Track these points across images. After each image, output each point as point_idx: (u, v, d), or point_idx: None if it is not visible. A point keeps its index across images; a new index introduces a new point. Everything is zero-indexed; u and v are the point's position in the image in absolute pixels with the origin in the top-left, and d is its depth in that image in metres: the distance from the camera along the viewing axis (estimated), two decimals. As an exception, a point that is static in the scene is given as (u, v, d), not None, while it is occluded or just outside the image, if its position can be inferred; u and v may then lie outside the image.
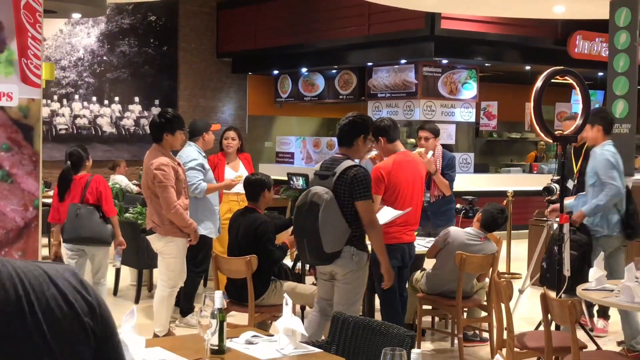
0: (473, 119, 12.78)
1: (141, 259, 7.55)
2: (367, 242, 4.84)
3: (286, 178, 6.99)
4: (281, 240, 5.80)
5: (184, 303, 6.66)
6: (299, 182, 6.11)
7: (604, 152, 5.96)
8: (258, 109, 15.69)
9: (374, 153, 6.02)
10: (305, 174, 6.35)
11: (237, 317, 6.10)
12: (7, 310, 1.17)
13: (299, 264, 5.97)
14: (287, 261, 6.20)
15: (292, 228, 5.88)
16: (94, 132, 13.96)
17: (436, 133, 6.92)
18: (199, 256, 6.48)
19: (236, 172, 7.19)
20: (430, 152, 6.82)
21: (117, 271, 7.91)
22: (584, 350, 4.32)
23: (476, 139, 14.57)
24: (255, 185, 5.78)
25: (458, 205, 6.44)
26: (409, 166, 5.57)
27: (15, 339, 1.17)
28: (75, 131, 13.77)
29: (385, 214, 5.26)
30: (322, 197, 4.59)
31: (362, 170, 4.61)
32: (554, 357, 4.45)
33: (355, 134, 4.75)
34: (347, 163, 4.65)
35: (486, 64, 12.61)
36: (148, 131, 6.01)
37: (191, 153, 6.59)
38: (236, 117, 15.47)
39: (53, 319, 1.21)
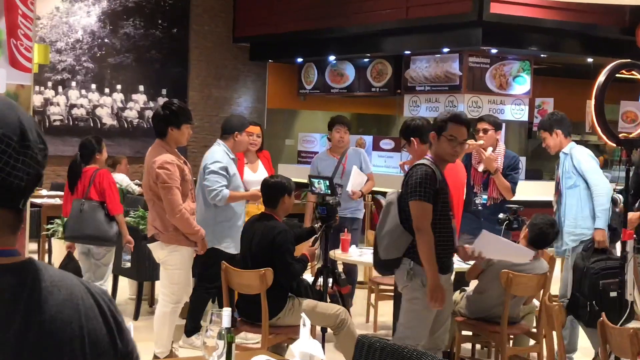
0: (526, 118, 12.71)
1: (141, 269, 7.58)
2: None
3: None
4: (301, 252, 5.80)
5: (190, 322, 6.67)
6: (321, 186, 6.10)
7: (581, 149, 6.42)
8: (278, 102, 15.72)
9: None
10: (329, 177, 6.34)
11: (249, 339, 6.10)
12: (51, 312, 1.27)
13: (320, 280, 5.97)
14: (307, 276, 6.19)
15: (313, 238, 5.90)
16: (92, 124, 14.06)
17: (497, 126, 6.99)
18: (210, 271, 6.44)
19: (254, 172, 7.21)
20: (490, 149, 6.81)
21: (115, 283, 7.96)
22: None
23: (529, 141, 14.47)
24: (273, 190, 5.79)
25: (500, 215, 6.38)
26: (450, 170, 5.57)
27: (61, 337, 1.27)
28: (71, 123, 13.88)
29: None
30: (388, 197, 4.87)
31: (424, 169, 4.72)
32: (612, 394, 4.40)
33: (428, 132, 4.99)
34: (419, 161, 4.84)
35: (542, 55, 12.52)
36: (152, 125, 6.07)
37: (216, 154, 6.61)
38: (253, 111, 15.51)
39: (94, 327, 1.32)
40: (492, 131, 6.89)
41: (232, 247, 6.51)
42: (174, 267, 5.85)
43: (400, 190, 4.86)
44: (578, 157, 6.31)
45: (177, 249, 5.80)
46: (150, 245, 5.94)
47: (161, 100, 13.98)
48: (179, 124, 5.78)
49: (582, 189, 6.28)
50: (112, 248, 6.86)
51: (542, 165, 15.31)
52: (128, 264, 7.06)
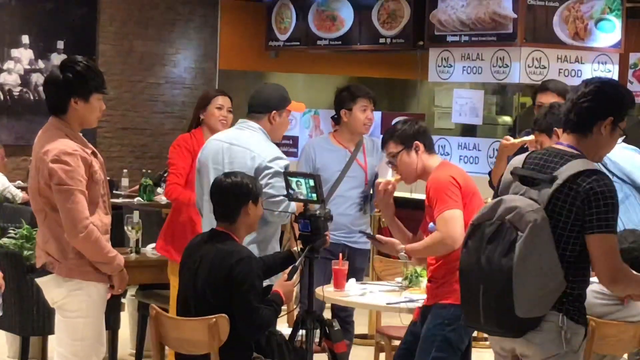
0: (614, 83, 12.72)
1: (27, 318, 7.56)
2: None
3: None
4: (272, 289, 5.80)
5: None
6: (303, 188, 6.08)
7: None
8: (236, 60, 15.69)
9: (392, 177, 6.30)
10: (315, 175, 6.32)
11: None
12: None
13: (301, 332, 5.97)
14: (283, 327, 6.18)
15: (290, 269, 5.88)
16: (-51, 96, 14.02)
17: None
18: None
19: None
20: None
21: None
22: None
23: (619, 119, 14.48)
24: (230, 195, 5.81)
25: None
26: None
27: None
28: None
29: None
30: (525, 216, 4.58)
31: (609, 182, 4.60)
32: None
33: (598, 114, 4.76)
34: (581, 164, 4.65)
35: (639, -12, 12.56)
36: (43, 96, 6.04)
37: (268, 145, 6.69)
38: (199, 74, 15.47)
39: None
40: None
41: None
42: (77, 314, 5.81)
43: (542, 205, 4.64)
44: (613, 157, 6.36)
45: (81, 287, 5.76)
46: (40, 281, 5.92)
47: (57, 58, 13.94)
48: (86, 94, 5.75)
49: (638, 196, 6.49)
50: None
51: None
52: None
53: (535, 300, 4.58)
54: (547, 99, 7.02)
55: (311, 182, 6.06)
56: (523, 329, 4.63)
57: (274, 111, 6.73)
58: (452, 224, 5.71)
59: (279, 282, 5.91)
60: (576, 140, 4.77)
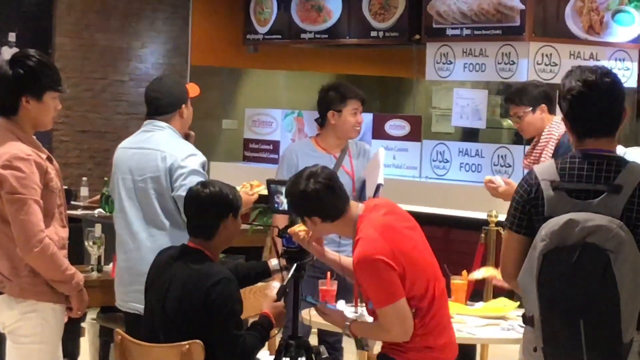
0: (634, 84, 12.71)
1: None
2: None
3: (264, 191, 6.96)
4: (258, 309, 5.77)
5: None
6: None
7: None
8: (211, 55, 15.71)
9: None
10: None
11: None
12: None
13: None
14: (263, 354, 6.16)
15: (279, 289, 5.83)
16: None
17: (533, 101, 7.34)
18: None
19: None
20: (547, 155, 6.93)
21: None
22: None
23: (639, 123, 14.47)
24: (209, 206, 5.80)
25: None
26: (402, 220, 5.82)
27: None
28: None
29: None
30: (614, 234, 4.61)
31: None
32: None
33: (622, 110, 4.90)
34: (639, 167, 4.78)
35: (662, -25, 12.57)
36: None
37: (180, 143, 6.77)
38: (168, 70, 15.47)
39: None
40: (529, 113, 7.04)
41: None
42: (31, 339, 5.81)
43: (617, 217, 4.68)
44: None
45: (35, 308, 5.77)
46: (-11, 302, 5.89)
47: (8, 52, 13.93)
48: (38, 93, 5.76)
49: None
50: None
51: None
52: None
53: (634, 321, 4.67)
54: (512, 109, 7.23)
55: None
56: (625, 355, 4.70)
57: (183, 104, 6.89)
58: (399, 320, 5.53)
59: (268, 303, 5.90)
60: (607, 142, 4.85)
